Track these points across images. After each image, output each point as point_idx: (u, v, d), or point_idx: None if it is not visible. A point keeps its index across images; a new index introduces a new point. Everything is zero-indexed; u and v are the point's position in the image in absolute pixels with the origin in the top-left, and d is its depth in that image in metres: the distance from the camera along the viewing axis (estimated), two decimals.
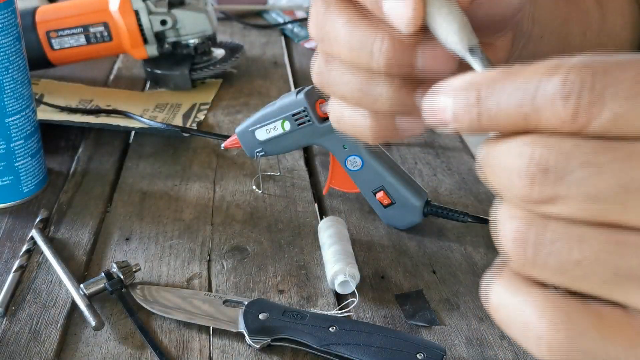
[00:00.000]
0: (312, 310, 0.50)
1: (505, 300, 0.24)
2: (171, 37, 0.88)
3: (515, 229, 0.23)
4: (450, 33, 0.29)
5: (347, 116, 0.35)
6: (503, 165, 0.23)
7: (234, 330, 0.49)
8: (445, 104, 0.25)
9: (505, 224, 0.24)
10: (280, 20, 1.14)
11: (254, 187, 0.68)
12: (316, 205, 0.65)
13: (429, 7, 0.29)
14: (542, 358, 0.23)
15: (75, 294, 0.52)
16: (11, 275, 0.54)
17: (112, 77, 0.95)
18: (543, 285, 0.23)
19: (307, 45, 1.05)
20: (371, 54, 0.31)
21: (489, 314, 0.25)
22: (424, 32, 0.30)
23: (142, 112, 0.81)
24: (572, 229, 0.22)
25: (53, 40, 0.87)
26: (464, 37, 0.29)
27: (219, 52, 0.92)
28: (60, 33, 0.86)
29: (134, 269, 0.53)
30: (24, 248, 0.57)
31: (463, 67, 0.29)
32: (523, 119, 0.22)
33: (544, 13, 0.44)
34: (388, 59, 0.30)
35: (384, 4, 0.30)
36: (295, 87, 0.78)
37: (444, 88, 0.25)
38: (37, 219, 0.61)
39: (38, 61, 0.87)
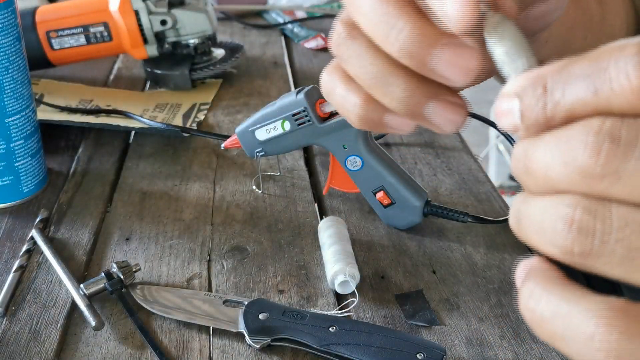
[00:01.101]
0: (312, 310, 0.50)
1: (559, 309, 0.22)
2: (171, 37, 0.88)
3: (578, 217, 0.21)
4: (511, 51, 0.27)
5: (339, 92, 0.34)
6: (566, 135, 0.22)
7: (234, 330, 0.49)
8: (510, 106, 0.24)
9: (560, 213, 0.22)
10: (280, 20, 1.14)
11: (254, 187, 0.68)
12: (316, 205, 0.65)
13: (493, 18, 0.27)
14: None
15: (75, 294, 0.52)
16: (11, 275, 0.54)
17: (112, 77, 0.95)
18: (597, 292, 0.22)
19: (307, 45, 1.05)
20: (387, 36, 0.30)
21: (529, 326, 0.23)
22: (452, 35, 0.29)
23: (142, 112, 0.81)
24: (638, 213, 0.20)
25: (53, 40, 0.87)
26: (528, 57, 0.26)
27: (219, 52, 0.92)
28: (60, 33, 0.86)
29: (134, 269, 0.53)
30: (24, 248, 0.57)
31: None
32: (593, 95, 0.21)
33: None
34: (403, 47, 0.29)
35: (431, 65, 0.29)
36: (295, 87, 0.78)
37: (507, 91, 0.24)
38: (37, 219, 0.61)
39: (38, 61, 0.87)
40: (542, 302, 0.23)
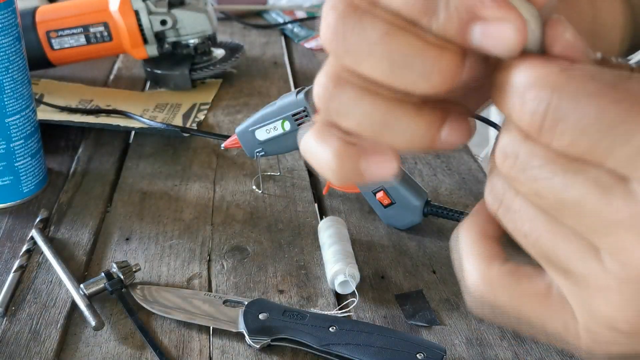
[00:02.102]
0: (312, 310, 0.50)
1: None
2: (171, 37, 0.88)
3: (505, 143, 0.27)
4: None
5: (314, 153, 0.31)
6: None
7: (234, 330, 0.49)
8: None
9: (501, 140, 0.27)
10: (280, 20, 1.15)
11: (254, 187, 0.68)
12: (316, 205, 0.65)
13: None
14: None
15: (75, 294, 0.52)
16: (11, 275, 0.54)
17: (112, 77, 0.95)
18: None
19: (307, 45, 1.05)
20: (421, 74, 0.27)
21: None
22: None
23: (142, 112, 0.81)
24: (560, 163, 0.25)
25: (53, 40, 0.87)
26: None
27: (219, 52, 0.92)
28: (60, 33, 0.86)
29: (134, 269, 0.53)
30: (24, 248, 0.57)
31: None
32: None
33: None
34: (442, 77, 0.27)
35: (472, 39, 0.26)
36: (295, 87, 0.78)
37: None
38: (37, 219, 0.61)
39: (38, 61, 0.87)
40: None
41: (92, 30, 0.86)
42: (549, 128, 0.25)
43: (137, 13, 0.85)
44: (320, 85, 0.30)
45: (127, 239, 0.60)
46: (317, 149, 0.31)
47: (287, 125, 0.59)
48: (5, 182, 0.63)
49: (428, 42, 0.27)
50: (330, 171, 0.30)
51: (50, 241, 0.59)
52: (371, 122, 0.29)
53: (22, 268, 0.55)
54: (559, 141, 0.25)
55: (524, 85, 0.25)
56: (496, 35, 0.26)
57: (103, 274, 0.52)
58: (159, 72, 0.88)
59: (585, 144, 0.24)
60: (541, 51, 0.27)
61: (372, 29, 0.28)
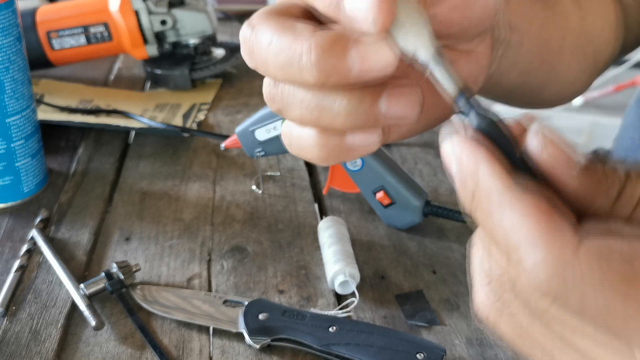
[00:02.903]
0: (312, 310, 0.50)
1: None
2: (171, 37, 0.88)
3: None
4: (417, 36, 0.28)
5: (295, 136, 0.33)
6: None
7: (234, 330, 0.49)
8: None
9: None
10: None
11: (254, 187, 0.68)
12: (316, 205, 0.65)
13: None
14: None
15: (76, 294, 0.52)
16: (11, 275, 0.54)
17: (112, 77, 0.95)
18: None
19: None
20: (301, 69, 0.29)
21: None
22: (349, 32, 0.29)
23: (142, 112, 0.81)
24: None
25: (53, 41, 0.87)
26: (431, 41, 0.28)
27: (219, 52, 0.92)
28: (60, 33, 0.86)
29: (134, 269, 0.53)
30: (25, 248, 0.57)
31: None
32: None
33: (520, 19, 0.43)
34: (320, 69, 0.29)
35: (345, 4, 0.29)
36: None
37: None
38: (38, 219, 0.61)
39: (38, 61, 0.87)
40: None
41: (92, 30, 0.86)
42: (553, 309, 0.25)
43: (137, 13, 0.85)
44: (264, 86, 0.33)
45: (127, 239, 0.60)
46: (298, 132, 0.33)
47: None
48: (6, 182, 0.63)
49: (299, 39, 0.29)
50: (315, 150, 0.32)
51: (51, 241, 0.59)
52: (309, 109, 0.31)
53: (22, 268, 0.55)
54: (561, 326, 0.25)
55: (533, 264, 0.24)
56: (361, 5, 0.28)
57: (103, 274, 0.52)
58: (159, 72, 0.88)
59: (591, 331, 0.24)
60: (434, 59, 0.28)
61: (263, 35, 0.31)
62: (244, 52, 0.33)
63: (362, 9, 0.28)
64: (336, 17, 0.29)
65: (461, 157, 0.26)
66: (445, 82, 0.28)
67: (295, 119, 0.32)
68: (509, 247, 0.24)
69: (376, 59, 0.28)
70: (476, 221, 0.26)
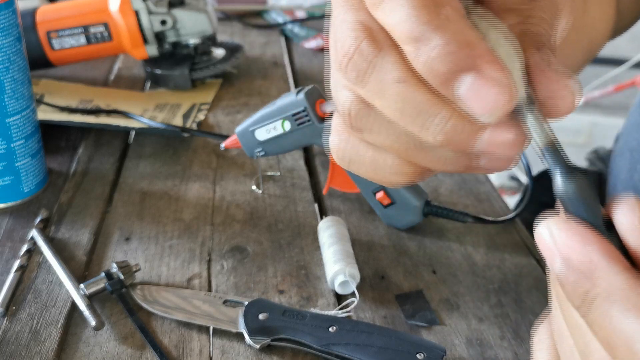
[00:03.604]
0: (312, 310, 0.50)
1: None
2: (171, 37, 0.88)
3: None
4: (538, 134, 0.27)
5: (366, 158, 0.31)
6: None
7: (234, 330, 0.49)
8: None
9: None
10: (280, 20, 1.15)
11: (254, 187, 0.68)
12: (316, 205, 0.65)
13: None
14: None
15: (76, 294, 0.52)
16: (12, 275, 0.54)
17: (112, 77, 0.95)
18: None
19: (307, 45, 1.05)
20: (427, 128, 0.27)
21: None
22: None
23: (142, 112, 0.81)
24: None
25: (53, 41, 0.87)
26: (525, 86, 0.27)
27: (219, 52, 0.92)
28: (60, 33, 0.86)
29: (134, 269, 0.53)
30: (25, 248, 0.57)
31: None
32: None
33: None
34: (446, 138, 0.27)
35: (457, 87, 0.26)
36: (295, 87, 0.78)
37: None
38: (38, 219, 0.61)
39: (38, 61, 0.87)
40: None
41: (92, 30, 0.86)
42: None
43: (137, 13, 0.85)
44: (347, 101, 0.30)
45: (127, 239, 0.60)
46: (373, 155, 0.31)
47: (287, 125, 0.59)
48: (6, 182, 0.63)
49: (442, 99, 0.27)
50: (392, 175, 0.31)
51: (51, 241, 0.59)
52: (403, 148, 0.29)
53: (22, 268, 0.55)
54: None
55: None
56: (483, 94, 0.25)
57: (103, 274, 0.52)
58: (159, 72, 0.88)
59: None
60: (526, 106, 0.27)
61: (390, 70, 0.27)
62: (348, 64, 0.28)
63: (476, 97, 0.26)
64: (446, 94, 0.27)
65: (570, 253, 0.23)
66: (535, 132, 0.27)
67: (377, 143, 0.30)
68: (633, 355, 0.22)
69: (503, 144, 0.27)
70: (587, 321, 0.24)
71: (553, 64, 0.28)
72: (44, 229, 0.60)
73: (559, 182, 0.26)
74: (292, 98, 0.59)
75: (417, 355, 0.45)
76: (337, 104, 0.30)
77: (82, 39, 0.87)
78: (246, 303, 0.50)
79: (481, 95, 0.25)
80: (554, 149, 0.27)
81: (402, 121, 0.28)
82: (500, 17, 0.29)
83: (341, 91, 0.30)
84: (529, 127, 0.27)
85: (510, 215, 0.61)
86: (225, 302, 0.51)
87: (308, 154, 0.74)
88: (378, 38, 0.28)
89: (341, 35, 0.29)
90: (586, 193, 0.25)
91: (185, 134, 0.75)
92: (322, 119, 0.58)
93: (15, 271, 0.55)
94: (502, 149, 0.27)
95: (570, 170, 0.26)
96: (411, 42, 0.26)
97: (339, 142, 0.32)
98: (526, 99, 0.27)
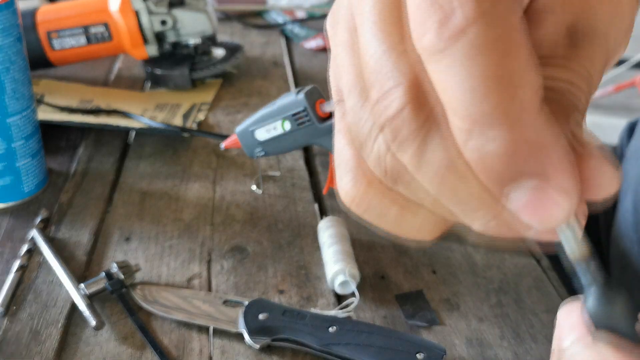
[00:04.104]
0: (312, 310, 0.51)
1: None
2: (171, 37, 0.88)
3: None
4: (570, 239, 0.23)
5: (393, 213, 0.26)
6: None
7: (234, 330, 0.49)
8: None
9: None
10: (280, 20, 1.15)
11: (254, 187, 0.68)
12: (316, 205, 0.65)
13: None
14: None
15: (76, 293, 0.52)
16: (12, 275, 0.54)
17: (112, 77, 0.95)
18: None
19: (307, 45, 1.05)
20: (466, 216, 0.24)
21: None
22: None
23: (142, 112, 0.81)
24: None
25: (53, 41, 0.87)
26: (584, 246, 0.23)
27: (219, 52, 0.92)
28: (60, 33, 0.86)
29: (134, 269, 0.53)
30: (25, 248, 0.57)
31: None
32: None
33: None
34: (488, 231, 0.24)
35: (512, 193, 0.21)
36: (295, 87, 0.78)
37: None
38: (38, 219, 0.61)
39: (39, 61, 0.87)
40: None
41: (92, 30, 0.86)
42: None
43: (137, 13, 0.85)
44: (380, 151, 0.24)
45: (127, 239, 0.60)
46: (408, 218, 0.26)
47: (287, 125, 0.59)
48: (6, 182, 0.63)
49: (490, 194, 0.22)
50: (418, 232, 0.27)
51: (51, 241, 0.59)
52: (435, 206, 0.25)
53: (22, 268, 0.55)
54: None
55: None
56: (542, 205, 0.21)
57: (103, 274, 0.52)
58: (159, 72, 0.88)
59: None
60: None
61: (433, 150, 0.23)
62: (385, 124, 0.23)
63: (533, 208, 0.21)
64: (495, 194, 0.23)
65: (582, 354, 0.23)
66: (568, 244, 0.23)
67: (412, 199, 0.26)
68: None
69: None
70: None
71: (586, 142, 0.22)
72: (44, 229, 0.60)
73: (592, 302, 0.23)
74: (292, 98, 0.59)
75: (417, 355, 0.45)
76: (366, 147, 0.25)
77: (83, 39, 0.87)
78: (246, 303, 0.50)
79: (540, 207, 0.21)
80: (589, 264, 0.23)
81: (443, 200, 0.24)
82: None
83: (374, 137, 0.24)
84: (561, 237, 0.23)
85: None
86: (225, 302, 0.51)
87: (308, 154, 0.74)
88: (425, 103, 0.22)
89: (377, 78, 0.23)
90: (623, 314, 0.23)
91: (185, 134, 0.75)
92: (322, 119, 0.58)
93: (16, 271, 0.55)
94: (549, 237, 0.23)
95: (607, 291, 0.23)
96: (465, 119, 0.21)
97: (355, 188, 0.27)
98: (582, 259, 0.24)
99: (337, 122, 0.28)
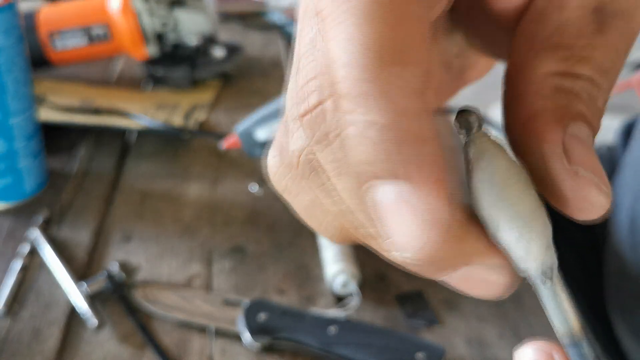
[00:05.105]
0: (312, 310, 0.51)
1: None
2: (172, 38, 0.88)
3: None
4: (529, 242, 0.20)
5: (306, 200, 0.24)
6: None
7: (234, 330, 0.49)
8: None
9: None
10: (280, 21, 1.15)
11: (254, 187, 0.68)
12: None
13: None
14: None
15: (77, 293, 0.52)
16: (13, 275, 0.54)
17: (112, 77, 0.95)
18: None
19: None
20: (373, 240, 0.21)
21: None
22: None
23: (143, 112, 0.81)
24: None
25: (54, 42, 0.87)
26: (546, 254, 0.20)
27: (219, 52, 0.92)
28: (61, 34, 0.87)
29: (134, 269, 0.54)
30: (26, 248, 0.57)
31: None
32: None
33: None
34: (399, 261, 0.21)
35: (372, 189, 0.19)
36: None
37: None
38: (39, 219, 0.61)
39: (40, 62, 0.88)
40: None
41: (93, 31, 0.86)
42: None
43: (137, 14, 0.85)
44: (297, 143, 0.22)
45: (127, 239, 0.60)
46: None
47: None
48: (8, 182, 0.63)
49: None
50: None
51: (52, 241, 0.59)
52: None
53: (24, 268, 0.55)
54: None
55: None
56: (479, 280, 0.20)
57: (104, 274, 0.52)
58: (159, 72, 0.88)
59: None
60: (544, 277, 0.21)
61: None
62: (305, 115, 0.20)
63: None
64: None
65: None
66: (554, 314, 0.21)
67: (321, 200, 0.23)
68: None
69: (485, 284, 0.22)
70: None
71: (578, 162, 0.20)
72: (45, 229, 0.61)
73: None
74: None
75: (417, 355, 0.45)
76: (288, 131, 0.22)
77: (83, 40, 0.87)
78: (246, 303, 0.50)
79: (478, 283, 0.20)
80: (578, 341, 0.21)
81: (360, 218, 0.21)
82: (537, 58, 0.21)
83: (296, 128, 0.21)
84: (545, 307, 0.21)
85: None
86: (225, 302, 0.52)
87: None
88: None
89: (305, 63, 0.20)
90: None
91: (186, 134, 0.75)
92: None
93: (17, 271, 0.55)
94: (482, 290, 0.21)
95: None
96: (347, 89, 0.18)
97: (278, 163, 0.24)
98: (545, 269, 0.21)
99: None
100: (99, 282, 0.52)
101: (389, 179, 0.18)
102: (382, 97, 0.17)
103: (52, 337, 0.49)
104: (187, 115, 0.82)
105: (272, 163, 0.24)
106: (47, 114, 0.78)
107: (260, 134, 0.61)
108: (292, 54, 0.22)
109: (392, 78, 0.18)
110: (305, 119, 0.20)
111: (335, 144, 0.19)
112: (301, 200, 0.24)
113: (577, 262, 0.68)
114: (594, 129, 0.20)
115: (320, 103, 0.19)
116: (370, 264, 0.57)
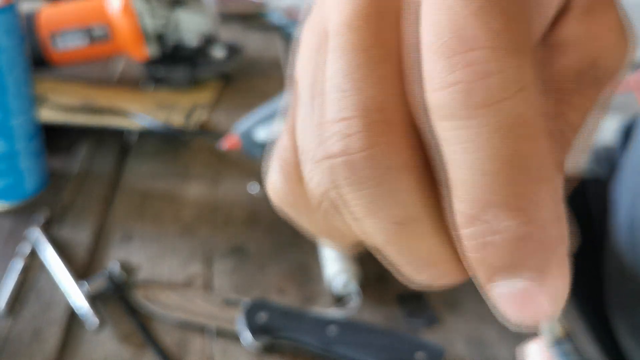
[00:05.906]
0: (312, 310, 0.51)
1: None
2: (172, 38, 0.88)
3: None
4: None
5: (320, 218, 0.23)
6: None
7: (234, 330, 0.49)
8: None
9: None
10: (281, 21, 1.15)
11: (254, 187, 0.68)
12: None
13: None
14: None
15: (77, 293, 0.52)
16: (14, 274, 0.54)
17: (112, 77, 0.95)
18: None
19: None
20: (415, 270, 0.22)
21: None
22: None
23: (143, 112, 0.81)
24: None
25: (55, 42, 0.87)
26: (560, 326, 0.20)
27: (219, 53, 0.92)
28: (62, 35, 0.87)
29: (134, 269, 0.54)
30: (27, 248, 0.57)
31: None
32: None
33: None
34: (434, 282, 0.23)
35: (499, 284, 0.19)
36: None
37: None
38: (40, 219, 0.61)
39: (40, 62, 0.88)
40: None
41: (93, 31, 0.86)
42: None
43: (138, 14, 0.85)
44: (323, 180, 0.21)
45: (128, 239, 0.60)
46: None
47: None
48: (9, 183, 0.63)
49: (448, 244, 0.20)
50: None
51: (53, 241, 0.59)
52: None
53: (24, 268, 0.56)
54: None
55: None
56: (532, 304, 0.19)
57: (104, 274, 0.53)
58: (159, 72, 0.88)
59: None
60: None
61: (396, 207, 0.19)
62: (339, 157, 0.19)
63: (518, 305, 0.19)
64: (482, 283, 0.21)
65: None
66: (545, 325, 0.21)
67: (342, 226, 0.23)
68: None
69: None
70: None
71: None
72: (45, 228, 0.61)
73: None
74: None
75: (417, 355, 0.45)
76: (306, 166, 0.21)
77: (84, 41, 0.87)
78: (246, 303, 0.50)
79: (526, 304, 0.19)
80: (565, 345, 0.21)
81: (386, 248, 0.21)
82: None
83: (317, 166, 0.20)
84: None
85: None
86: (225, 302, 0.52)
87: None
88: (400, 149, 0.18)
89: (339, 97, 0.19)
90: None
91: (186, 134, 0.75)
92: None
93: (18, 271, 0.55)
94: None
95: None
96: (472, 203, 0.18)
97: (284, 188, 0.23)
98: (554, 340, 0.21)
99: (288, 116, 0.24)
100: (100, 282, 0.52)
101: (523, 274, 0.18)
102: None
103: (52, 337, 0.49)
104: (188, 116, 0.82)
105: (275, 184, 0.24)
106: (47, 114, 0.78)
107: (260, 134, 0.62)
108: (293, 58, 0.22)
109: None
110: (336, 161, 0.19)
111: (376, 190, 0.18)
112: (310, 220, 0.24)
113: (577, 262, 0.68)
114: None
115: (363, 150, 0.18)
116: (370, 264, 0.57)
